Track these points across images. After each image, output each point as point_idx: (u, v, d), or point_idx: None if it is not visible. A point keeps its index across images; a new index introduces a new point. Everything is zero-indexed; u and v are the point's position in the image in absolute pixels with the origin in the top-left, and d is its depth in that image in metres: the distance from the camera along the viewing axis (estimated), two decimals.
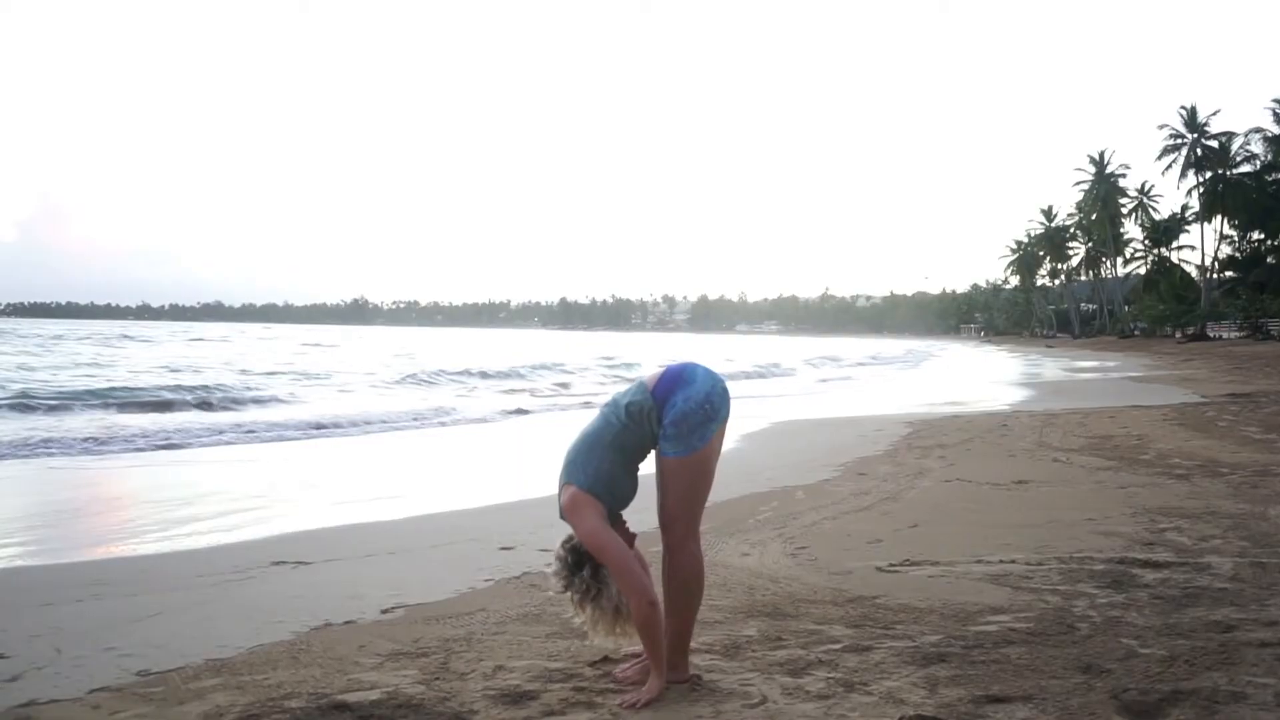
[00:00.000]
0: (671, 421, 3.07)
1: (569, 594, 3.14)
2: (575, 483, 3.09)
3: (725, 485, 5.31)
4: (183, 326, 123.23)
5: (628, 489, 3.17)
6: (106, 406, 15.80)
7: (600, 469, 3.09)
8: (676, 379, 3.13)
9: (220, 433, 12.55)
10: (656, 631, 3.04)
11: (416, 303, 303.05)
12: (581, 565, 3.09)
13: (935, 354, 54.30)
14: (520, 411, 16.83)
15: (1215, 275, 63.76)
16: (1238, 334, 53.83)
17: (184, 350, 42.25)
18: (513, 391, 22.64)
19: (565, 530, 3.21)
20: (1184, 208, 68.18)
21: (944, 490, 7.25)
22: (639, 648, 3.39)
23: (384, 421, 14.43)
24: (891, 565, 4.86)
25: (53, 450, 10.45)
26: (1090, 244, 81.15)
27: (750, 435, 11.77)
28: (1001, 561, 4.86)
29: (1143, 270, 75.61)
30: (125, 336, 60.85)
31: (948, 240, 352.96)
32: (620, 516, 3.20)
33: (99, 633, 3.89)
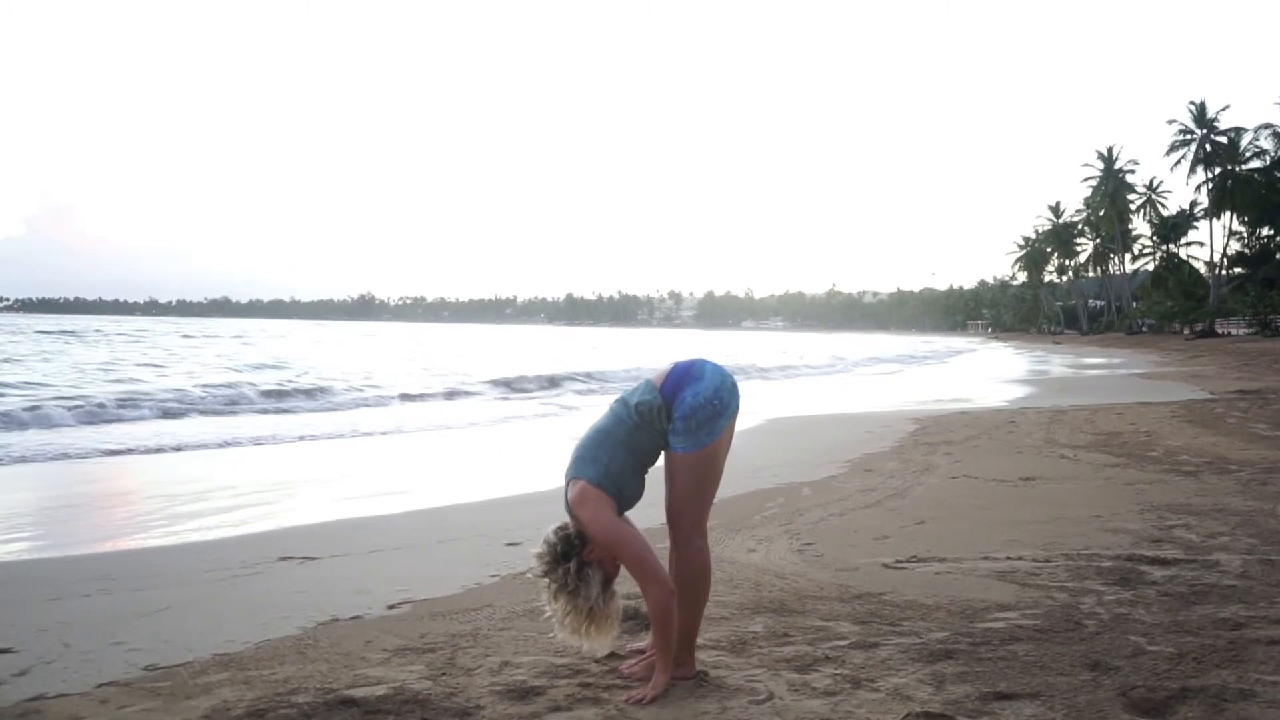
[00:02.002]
0: (681, 417, 3.05)
1: (546, 581, 3.09)
2: (585, 477, 3.06)
3: (731, 481, 5.29)
4: (202, 323, 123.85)
5: (635, 490, 3.14)
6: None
7: (611, 466, 3.06)
8: (684, 375, 3.12)
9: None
10: (672, 623, 3.02)
11: (423, 298, 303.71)
12: (569, 557, 3.04)
13: (963, 350, 54.14)
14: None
15: (1224, 271, 63.44)
16: (1246, 330, 53.58)
17: (273, 349, 41.77)
18: None
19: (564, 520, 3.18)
20: (1193, 204, 67.99)
21: (951, 487, 7.23)
22: (641, 644, 3.38)
23: None
24: (898, 562, 4.85)
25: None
26: (1098, 240, 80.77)
27: (747, 432, 11.75)
28: (1009, 558, 4.85)
29: (1151, 266, 75.30)
30: (186, 336, 60.77)
31: (955, 236, 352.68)
32: (625, 518, 3.19)
33: (107, 627, 3.90)
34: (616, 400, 3.21)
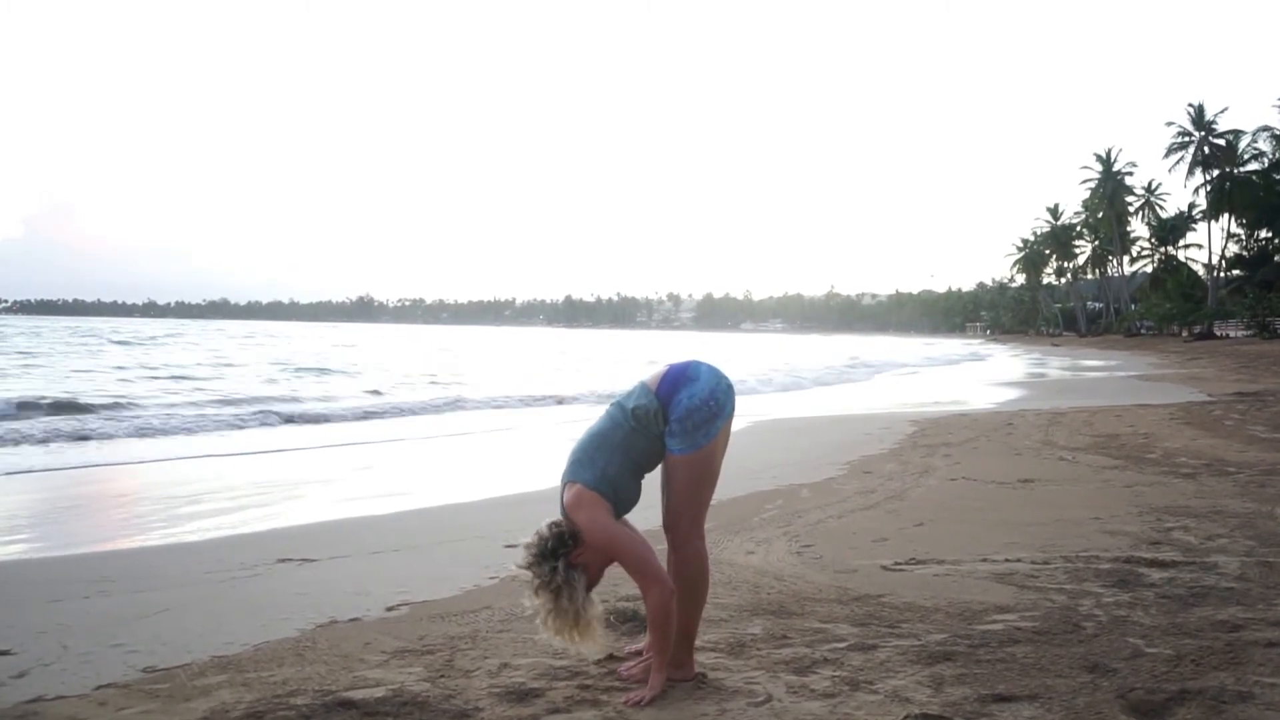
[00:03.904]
0: (677, 419, 3.05)
1: (529, 573, 3.01)
2: (581, 480, 3.05)
3: (729, 483, 5.30)
4: (221, 325, 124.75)
5: (632, 494, 3.13)
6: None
7: (607, 470, 3.05)
8: (680, 377, 3.12)
9: None
10: (671, 624, 3.01)
11: (422, 300, 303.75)
12: (557, 555, 2.97)
13: (994, 353, 53.97)
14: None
15: (1222, 274, 63.50)
16: (1244, 333, 53.56)
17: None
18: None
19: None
20: (1191, 206, 68.10)
21: (949, 489, 7.23)
22: (639, 646, 3.38)
23: None
24: (897, 563, 4.85)
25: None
26: (1096, 242, 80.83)
27: (745, 433, 11.75)
28: (1007, 560, 4.85)
29: (1149, 268, 75.36)
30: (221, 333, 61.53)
31: (954, 238, 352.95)
32: (624, 520, 3.17)
33: (106, 629, 3.90)
34: (612, 403, 3.19)
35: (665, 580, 3.01)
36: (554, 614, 2.99)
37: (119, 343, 47.86)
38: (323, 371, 28.38)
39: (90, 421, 13.38)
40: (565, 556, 2.99)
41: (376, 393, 20.55)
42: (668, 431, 3.07)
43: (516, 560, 3.07)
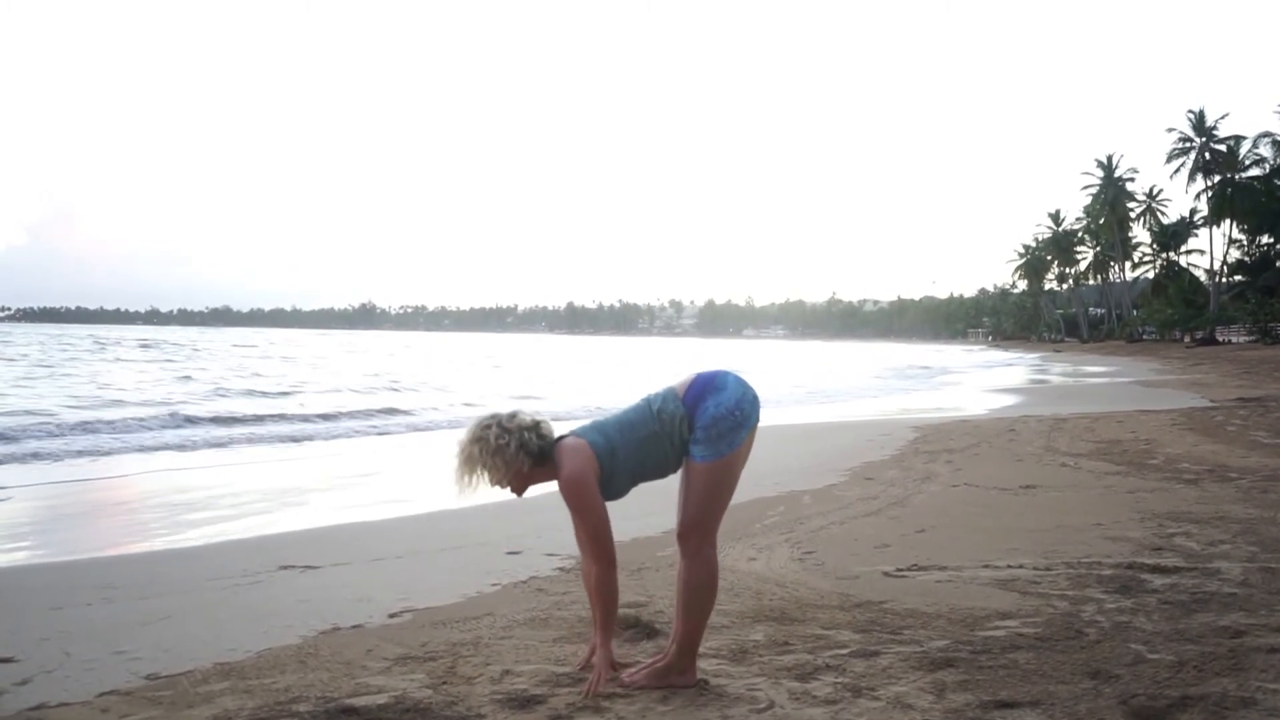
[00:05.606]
0: (703, 426, 3.06)
1: (492, 437, 3.05)
2: (588, 439, 3.07)
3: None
4: (238, 333, 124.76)
5: (621, 488, 3.14)
6: None
7: (619, 452, 3.06)
8: (707, 385, 3.12)
9: None
10: (616, 601, 3.15)
11: (424, 307, 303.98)
12: (529, 440, 3.04)
13: (1008, 361, 53.54)
14: None
15: (1224, 279, 63.46)
16: (1246, 338, 53.61)
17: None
18: None
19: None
20: (1192, 211, 68.02)
21: (951, 495, 7.23)
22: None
23: None
24: (899, 570, 4.85)
25: None
26: (1098, 248, 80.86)
27: None
28: (1009, 566, 4.85)
29: (1151, 274, 75.34)
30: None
31: (955, 244, 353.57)
32: None
33: (108, 636, 3.91)
34: (642, 399, 3.20)
35: (614, 561, 3.09)
36: (485, 450, 3.04)
37: (166, 352, 47.30)
38: (397, 382, 27.73)
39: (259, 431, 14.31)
40: (528, 452, 3.05)
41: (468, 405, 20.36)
42: (692, 439, 3.08)
43: (511, 413, 3.13)
